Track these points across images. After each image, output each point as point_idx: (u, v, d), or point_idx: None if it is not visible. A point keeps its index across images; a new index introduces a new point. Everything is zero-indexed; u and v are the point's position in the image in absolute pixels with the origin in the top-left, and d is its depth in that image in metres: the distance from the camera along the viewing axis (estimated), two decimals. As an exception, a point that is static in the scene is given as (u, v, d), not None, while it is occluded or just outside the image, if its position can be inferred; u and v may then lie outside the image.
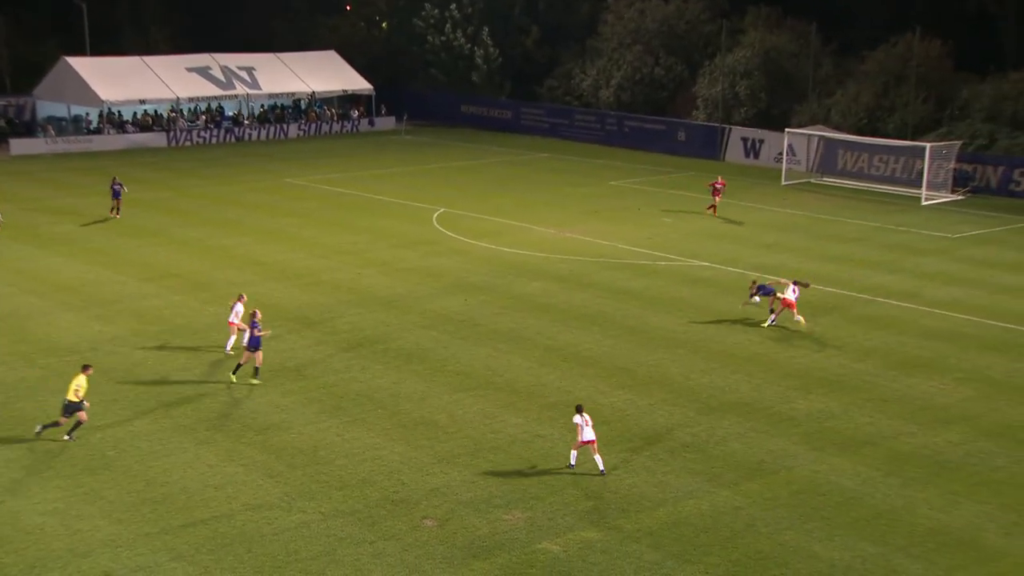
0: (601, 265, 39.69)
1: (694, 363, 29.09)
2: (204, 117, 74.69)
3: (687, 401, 26.39)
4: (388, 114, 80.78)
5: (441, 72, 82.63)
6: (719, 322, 32.79)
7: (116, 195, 47.02)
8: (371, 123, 80.00)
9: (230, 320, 28.99)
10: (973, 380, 28.11)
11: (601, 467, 22.31)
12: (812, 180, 58.31)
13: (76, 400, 23.37)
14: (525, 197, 53.34)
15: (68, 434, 23.64)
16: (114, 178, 47.96)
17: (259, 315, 27.33)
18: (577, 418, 22.35)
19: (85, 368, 24.09)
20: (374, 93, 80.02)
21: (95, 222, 46.27)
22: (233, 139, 73.83)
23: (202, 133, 72.91)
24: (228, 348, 29.03)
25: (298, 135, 76.32)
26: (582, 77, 77.65)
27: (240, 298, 29.26)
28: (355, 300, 34.69)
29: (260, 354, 26.99)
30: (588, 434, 22.21)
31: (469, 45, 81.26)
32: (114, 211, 46.96)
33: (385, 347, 30.05)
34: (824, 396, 26.84)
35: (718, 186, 48.96)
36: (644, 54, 74.07)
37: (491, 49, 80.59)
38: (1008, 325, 32.94)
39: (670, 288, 36.52)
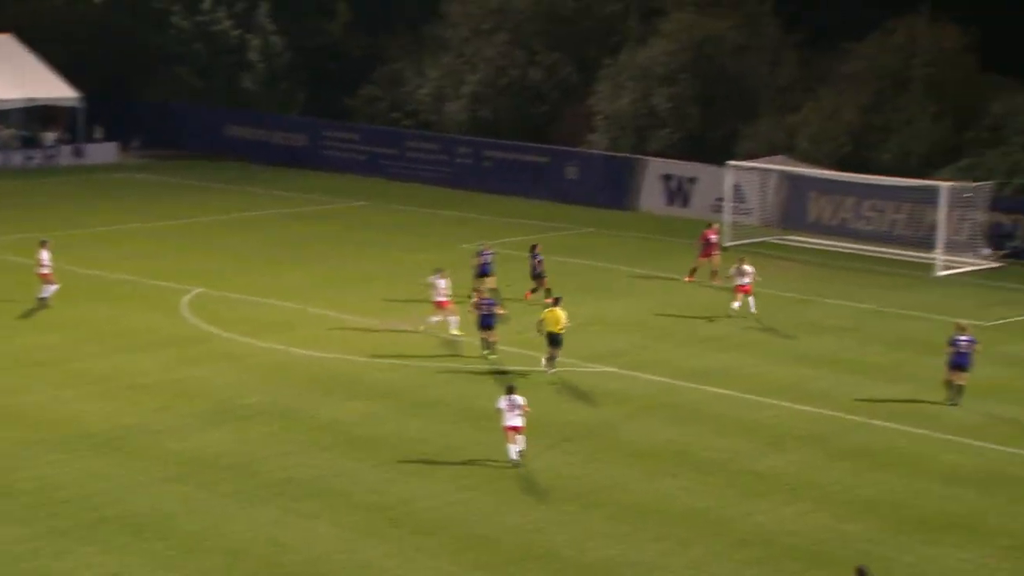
0: (452, 374, 39.78)
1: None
2: None
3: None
4: (107, 139, 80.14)
5: (194, 73, 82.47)
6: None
7: (537, 273, 48.62)
8: (78, 152, 79.07)
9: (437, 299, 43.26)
10: (1025, 548, 28.79)
11: (514, 456, 31.20)
12: (770, 239, 59.60)
13: (559, 332, 38.70)
14: (330, 269, 53.34)
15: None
16: (534, 247, 49.37)
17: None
18: (502, 401, 31.18)
19: (557, 300, 40.08)
20: (83, 105, 79.24)
21: None
22: None
23: None
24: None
25: (-46, 173, 75.22)
26: (418, 83, 78.40)
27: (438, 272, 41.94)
28: (50, 440, 33.83)
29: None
30: (512, 419, 30.87)
31: (239, 31, 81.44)
32: (536, 292, 48.42)
33: (99, 516, 29.33)
34: None
35: (711, 238, 50.97)
36: (512, 48, 75.12)
37: (273, 38, 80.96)
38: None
39: (553, 404, 36.77)
